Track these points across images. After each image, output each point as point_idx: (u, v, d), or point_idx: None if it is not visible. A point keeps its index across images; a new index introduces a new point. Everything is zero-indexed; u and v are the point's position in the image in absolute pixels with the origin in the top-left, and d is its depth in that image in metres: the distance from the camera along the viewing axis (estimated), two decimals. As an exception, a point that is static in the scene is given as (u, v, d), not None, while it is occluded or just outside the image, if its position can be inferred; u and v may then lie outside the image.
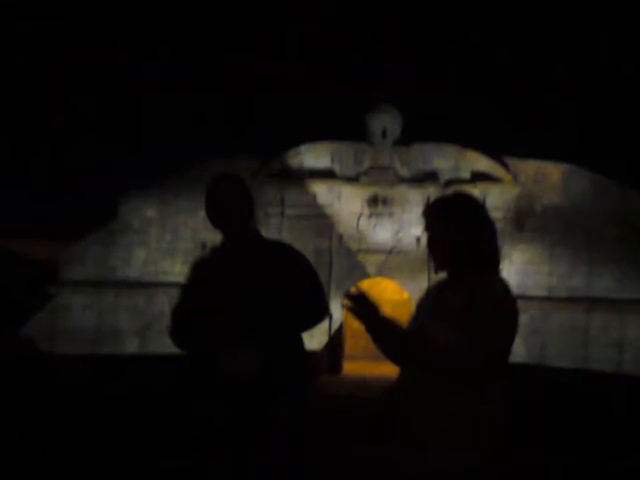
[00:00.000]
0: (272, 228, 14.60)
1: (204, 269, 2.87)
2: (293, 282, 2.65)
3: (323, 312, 2.80)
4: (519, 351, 14.04)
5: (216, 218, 2.70)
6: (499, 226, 13.54)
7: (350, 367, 13.17)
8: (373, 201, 14.80)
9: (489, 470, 2.07)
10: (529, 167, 14.46)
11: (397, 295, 16.35)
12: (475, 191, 13.35)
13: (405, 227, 14.52)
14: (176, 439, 4.88)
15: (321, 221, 14.85)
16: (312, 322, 2.88)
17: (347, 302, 2.13)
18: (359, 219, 14.71)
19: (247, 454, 2.69)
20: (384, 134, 14.72)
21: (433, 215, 2.19)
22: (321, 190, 14.95)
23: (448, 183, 14.43)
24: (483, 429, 2.06)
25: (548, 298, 13.86)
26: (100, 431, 5.38)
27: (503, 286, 2.11)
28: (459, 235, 2.19)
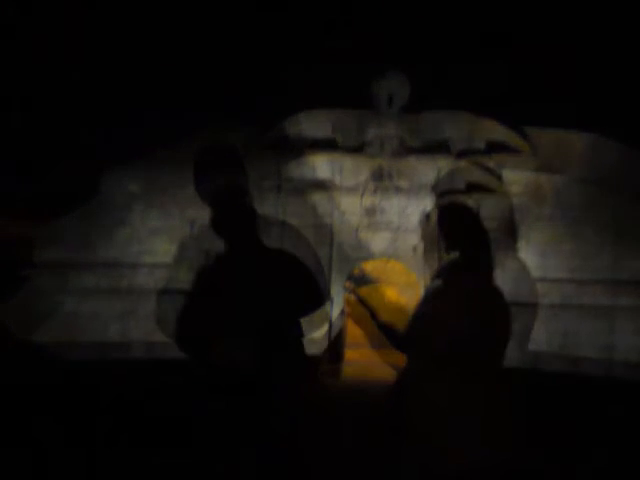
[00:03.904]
0: (268, 205, 14.54)
1: (208, 275, 3.06)
2: (292, 286, 2.82)
3: (323, 315, 2.93)
4: (539, 338, 14.08)
5: (223, 232, 2.95)
6: (517, 200, 13.58)
7: (352, 355, 13.30)
8: (378, 174, 14.74)
9: (490, 471, 2.13)
10: (550, 137, 14.39)
11: (404, 277, 16.40)
12: (490, 162, 13.38)
13: (413, 202, 14.48)
14: (172, 434, 4.93)
15: (321, 196, 14.81)
16: (312, 324, 2.98)
17: (348, 308, 2.23)
18: (363, 194, 14.67)
19: (246, 449, 2.75)
20: (390, 101, 14.61)
21: (429, 224, 2.29)
22: (321, 162, 14.90)
23: (461, 154, 14.38)
24: (483, 431, 2.12)
25: (570, 280, 13.89)
26: (88, 427, 5.42)
27: (497, 292, 2.19)
28: (454, 243, 2.27)
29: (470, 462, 1.98)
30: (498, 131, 15.34)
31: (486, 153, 14.79)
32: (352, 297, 2.63)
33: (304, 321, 2.97)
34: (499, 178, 14.84)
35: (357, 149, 15.34)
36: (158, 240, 15.55)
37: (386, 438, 2.20)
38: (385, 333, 2.63)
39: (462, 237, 2.60)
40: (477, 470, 1.97)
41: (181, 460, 4.38)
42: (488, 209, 14.80)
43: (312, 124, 15.62)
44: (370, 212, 15.28)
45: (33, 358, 9.47)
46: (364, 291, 14.02)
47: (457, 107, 15.12)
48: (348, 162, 15.29)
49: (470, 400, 1.96)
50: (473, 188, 16.00)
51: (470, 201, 14.37)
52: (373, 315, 2.75)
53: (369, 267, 14.07)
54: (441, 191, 15.46)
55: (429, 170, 14.22)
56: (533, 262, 13.85)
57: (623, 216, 14.14)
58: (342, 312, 13.55)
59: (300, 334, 2.95)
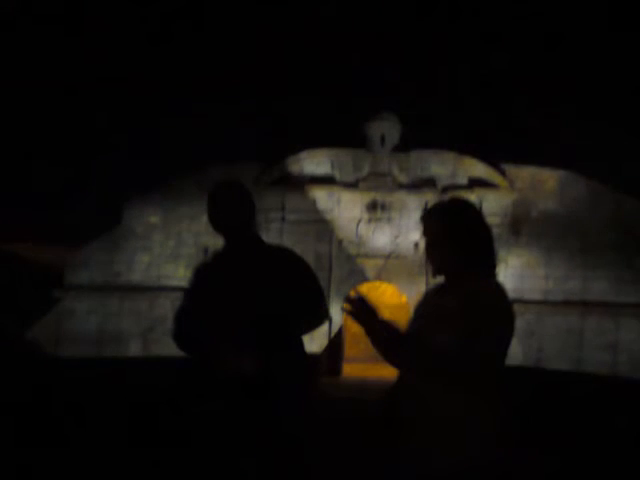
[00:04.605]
0: (273, 233, 15.25)
1: (206, 273, 2.99)
2: (293, 284, 2.78)
3: (323, 314, 2.93)
4: (516, 354, 14.42)
5: (218, 223, 2.87)
6: (496, 231, 13.99)
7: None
8: (372, 207, 15.75)
9: (487, 471, 2.12)
10: (525, 173, 15.27)
11: (396, 299, 16.70)
12: (472, 197, 14.13)
13: (403, 232, 15.37)
14: (176, 438, 4.92)
15: (321, 226, 15.69)
16: (312, 324, 2.94)
17: (347, 306, 2.23)
18: (358, 224, 15.57)
19: (247, 454, 2.72)
20: (383, 141, 15.48)
21: (431, 220, 2.33)
22: (321, 196, 15.92)
23: (445, 189, 15.36)
24: (481, 431, 2.11)
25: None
26: (101, 430, 5.40)
27: (499, 290, 2.23)
28: (456, 239, 2.29)
29: (469, 462, 1.99)
30: (479, 168, 16.14)
31: (468, 188, 15.63)
32: (353, 293, 2.62)
33: (304, 320, 2.96)
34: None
35: (353, 184, 16.05)
36: (175, 266, 16.04)
37: (385, 438, 2.19)
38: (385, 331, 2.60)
39: (446, 261, 2.64)
40: (476, 470, 1.97)
41: (181, 460, 4.37)
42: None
43: (312, 162, 16.25)
44: (364, 240, 15.86)
45: (61, 370, 9.52)
46: (364, 289, 14.04)
47: (443, 146, 15.82)
48: (345, 196, 15.86)
49: (470, 400, 1.97)
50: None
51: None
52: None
53: (365, 289, 14.46)
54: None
55: (417, 203, 14.98)
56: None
57: (591, 244, 14.17)
58: (342, 310, 13.63)
59: (300, 333, 2.93)
